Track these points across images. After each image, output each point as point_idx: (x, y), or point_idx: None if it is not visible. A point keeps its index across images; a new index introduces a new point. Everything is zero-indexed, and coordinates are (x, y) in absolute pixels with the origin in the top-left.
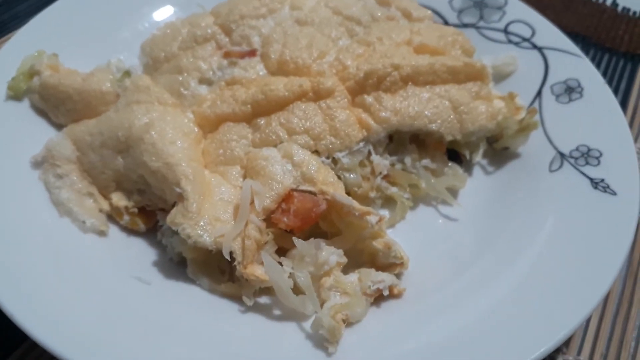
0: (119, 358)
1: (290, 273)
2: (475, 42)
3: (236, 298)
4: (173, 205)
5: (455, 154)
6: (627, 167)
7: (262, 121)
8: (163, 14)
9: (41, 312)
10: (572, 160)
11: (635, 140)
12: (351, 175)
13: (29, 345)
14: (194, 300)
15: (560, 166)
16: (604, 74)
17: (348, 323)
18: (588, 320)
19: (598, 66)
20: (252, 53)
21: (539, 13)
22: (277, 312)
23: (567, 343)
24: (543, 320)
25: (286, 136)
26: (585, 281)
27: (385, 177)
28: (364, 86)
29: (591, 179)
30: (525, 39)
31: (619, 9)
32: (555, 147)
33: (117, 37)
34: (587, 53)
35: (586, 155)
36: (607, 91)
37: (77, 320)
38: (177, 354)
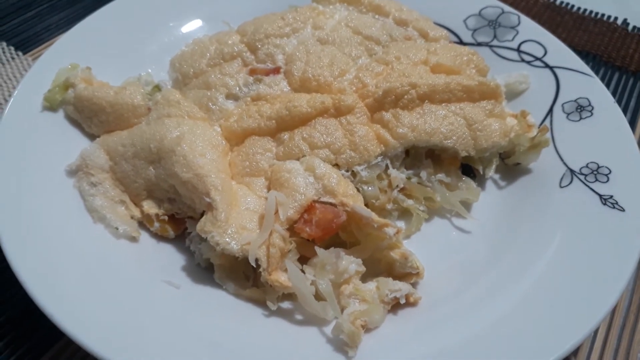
0: (149, 355)
1: (312, 280)
2: (489, 60)
3: (260, 303)
4: (202, 214)
5: (469, 169)
6: (635, 184)
7: (285, 135)
8: (189, 27)
9: (76, 312)
10: (582, 177)
11: None
12: (369, 188)
13: (62, 345)
14: (220, 304)
15: (570, 182)
16: (614, 92)
17: (367, 329)
18: (596, 332)
19: (608, 84)
20: (276, 70)
21: (550, 32)
22: (299, 316)
23: (575, 353)
24: (552, 330)
25: (308, 150)
26: (593, 293)
27: (402, 190)
28: (382, 103)
29: (600, 195)
30: (537, 58)
31: (630, 27)
32: (565, 164)
33: (146, 51)
34: (597, 71)
35: (596, 172)
36: (617, 110)
37: (111, 320)
38: (203, 354)
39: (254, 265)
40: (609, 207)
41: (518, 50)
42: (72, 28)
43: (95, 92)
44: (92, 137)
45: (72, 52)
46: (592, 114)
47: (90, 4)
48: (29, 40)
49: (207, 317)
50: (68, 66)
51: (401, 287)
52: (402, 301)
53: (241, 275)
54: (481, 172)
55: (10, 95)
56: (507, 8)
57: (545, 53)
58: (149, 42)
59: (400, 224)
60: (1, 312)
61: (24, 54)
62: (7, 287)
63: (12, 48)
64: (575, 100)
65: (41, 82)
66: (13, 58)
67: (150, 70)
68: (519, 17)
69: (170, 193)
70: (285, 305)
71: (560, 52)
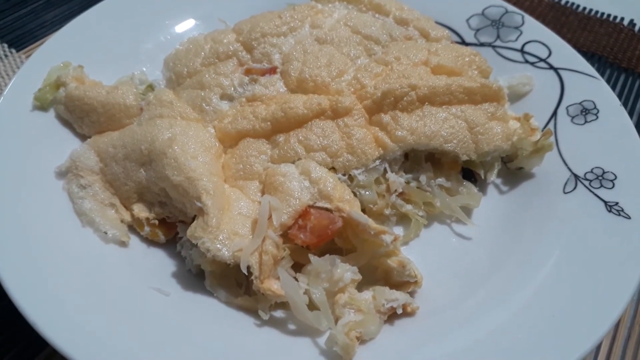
0: None
1: (305, 289)
2: (492, 61)
3: (252, 311)
4: (193, 218)
5: (470, 173)
6: None
7: (281, 138)
8: (185, 26)
9: (62, 321)
10: (587, 183)
11: None
12: (367, 193)
13: (47, 354)
14: (211, 312)
15: (575, 188)
16: (620, 94)
17: (362, 340)
18: (600, 343)
19: (614, 86)
20: (272, 70)
21: (555, 32)
22: (291, 326)
23: None
24: (554, 341)
25: (304, 153)
26: (597, 304)
27: (401, 195)
28: (381, 105)
29: (605, 202)
30: (541, 59)
31: (636, 28)
32: (569, 169)
33: (140, 49)
34: (603, 73)
35: (601, 178)
36: (623, 113)
37: (97, 328)
38: None
39: (246, 273)
40: (614, 214)
41: (522, 51)
42: (65, 25)
43: (87, 92)
44: (83, 137)
45: (64, 50)
46: (597, 118)
47: (86, 1)
48: (23, 38)
49: (198, 326)
50: (60, 64)
51: (398, 297)
52: (399, 311)
53: (233, 283)
54: (482, 177)
55: (0, 94)
56: (510, 8)
57: (550, 54)
58: (143, 41)
59: (399, 230)
60: None
61: (18, 51)
62: None
63: (5, 45)
64: (580, 103)
65: (32, 81)
66: (6, 55)
67: (144, 69)
68: (523, 17)
69: (161, 196)
70: (278, 314)
71: (565, 53)
